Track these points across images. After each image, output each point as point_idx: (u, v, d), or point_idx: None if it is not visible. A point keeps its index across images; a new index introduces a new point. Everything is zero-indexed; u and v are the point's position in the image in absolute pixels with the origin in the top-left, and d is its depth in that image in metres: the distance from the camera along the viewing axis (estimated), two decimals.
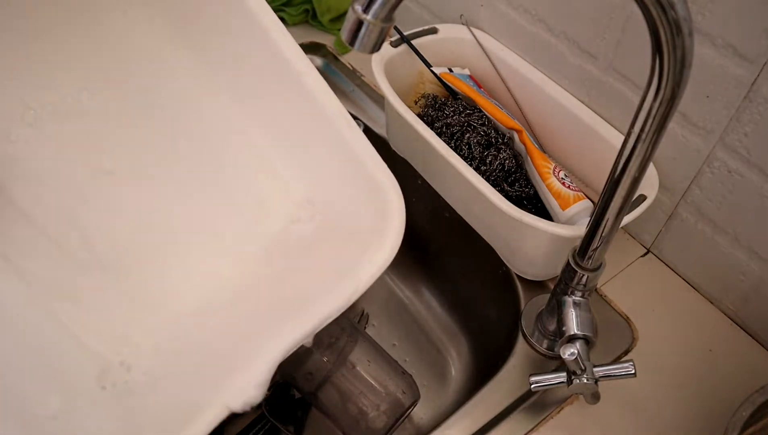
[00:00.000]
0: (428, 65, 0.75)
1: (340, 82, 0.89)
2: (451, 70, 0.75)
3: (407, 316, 0.83)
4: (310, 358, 0.65)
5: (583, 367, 0.50)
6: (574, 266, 0.52)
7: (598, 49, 0.64)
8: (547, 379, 0.53)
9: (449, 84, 0.73)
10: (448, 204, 0.71)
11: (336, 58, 0.93)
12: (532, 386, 0.53)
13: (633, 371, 0.50)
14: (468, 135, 0.68)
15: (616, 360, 0.60)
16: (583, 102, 0.68)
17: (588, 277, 0.52)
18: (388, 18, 0.34)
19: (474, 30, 0.77)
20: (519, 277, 0.66)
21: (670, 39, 0.34)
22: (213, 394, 0.37)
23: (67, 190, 0.42)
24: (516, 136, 0.68)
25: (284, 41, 0.45)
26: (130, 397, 0.41)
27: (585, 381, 0.50)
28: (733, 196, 0.58)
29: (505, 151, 0.67)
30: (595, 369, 0.51)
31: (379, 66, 0.69)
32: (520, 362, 0.60)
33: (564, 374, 0.52)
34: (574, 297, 0.53)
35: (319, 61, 0.93)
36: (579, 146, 0.68)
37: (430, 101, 0.73)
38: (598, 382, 0.51)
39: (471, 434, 0.55)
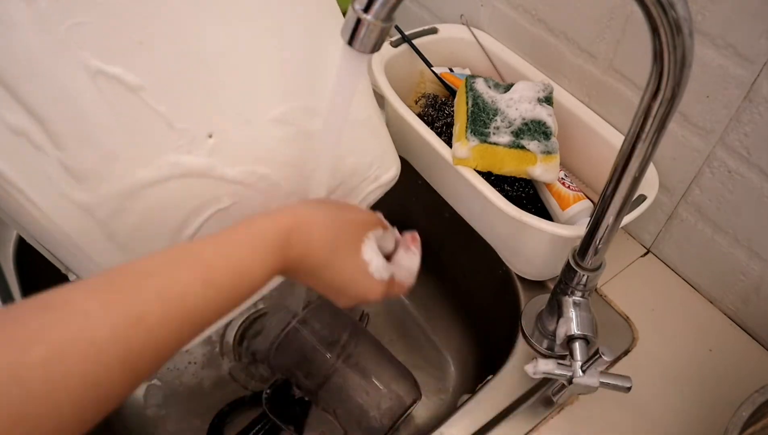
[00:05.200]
0: (429, 65, 0.75)
1: None
2: (451, 70, 0.75)
3: (407, 316, 0.83)
4: (311, 357, 0.65)
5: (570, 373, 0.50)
6: (574, 266, 0.52)
7: (598, 49, 0.64)
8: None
9: (450, 84, 0.73)
10: (448, 204, 0.71)
11: None
12: (533, 374, 0.52)
13: (629, 386, 0.50)
14: None
15: (617, 360, 0.60)
16: (583, 102, 0.68)
17: (588, 277, 0.52)
18: (388, 18, 0.34)
19: (474, 30, 0.77)
20: (519, 277, 0.66)
21: (670, 39, 0.34)
22: None
23: None
24: None
25: None
26: None
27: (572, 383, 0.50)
28: (733, 196, 0.58)
29: None
30: (588, 373, 0.50)
31: (379, 66, 0.69)
32: (520, 362, 0.59)
33: (564, 373, 0.52)
34: (574, 297, 0.53)
35: None
36: (579, 146, 0.68)
37: (431, 101, 0.73)
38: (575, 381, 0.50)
39: (471, 434, 0.55)
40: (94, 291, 0.30)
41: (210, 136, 0.43)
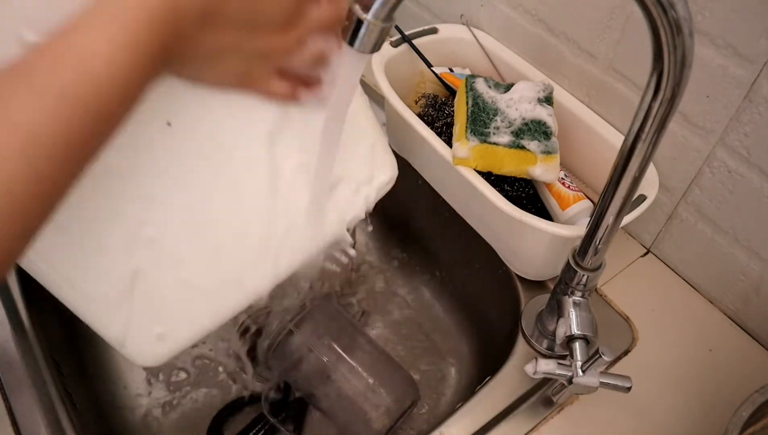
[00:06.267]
0: (429, 65, 0.75)
1: None
2: (451, 70, 0.75)
3: (407, 316, 0.83)
4: (308, 359, 0.65)
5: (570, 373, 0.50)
6: (574, 266, 0.52)
7: (598, 49, 0.64)
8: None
9: (450, 84, 0.73)
10: (448, 204, 0.71)
11: None
12: (534, 374, 0.52)
13: (629, 386, 0.50)
14: None
15: (617, 360, 0.60)
16: (583, 102, 0.68)
17: (588, 277, 0.52)
18: (388, 18, 0.34)
19: (474, 30, 0.77)
20: (519, 277, 0.66)
21: (670, 39, 0.34)
22: None
23: None
24: None
25: None
26: None
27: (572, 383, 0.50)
28: (733, 196, 0.58)
29: None
30: (588, 373, 0.50)
31: (379, 66, 0.69)
32: (520, 362, 0.59)
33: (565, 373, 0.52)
34: (574, 297, 0.53)
35: None
36: (579, 146, 0.68)
37: (431, 101, 0.73)
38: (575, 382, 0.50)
39: (471, 434, 0.55)
40: None
41: None
